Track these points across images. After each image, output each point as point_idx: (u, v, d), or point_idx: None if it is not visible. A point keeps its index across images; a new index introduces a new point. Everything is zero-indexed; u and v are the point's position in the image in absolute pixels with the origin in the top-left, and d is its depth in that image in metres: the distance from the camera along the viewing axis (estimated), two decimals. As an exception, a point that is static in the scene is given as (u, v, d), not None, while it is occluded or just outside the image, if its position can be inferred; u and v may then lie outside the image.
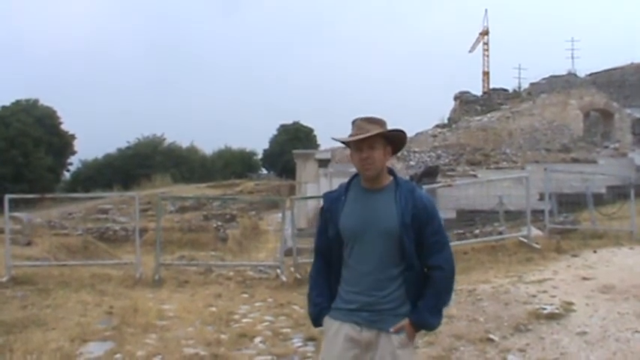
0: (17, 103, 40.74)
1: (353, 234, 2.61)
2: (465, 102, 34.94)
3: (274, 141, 55.56)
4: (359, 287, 2.61)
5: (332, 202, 2.72)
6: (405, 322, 2.58)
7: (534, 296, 6.35)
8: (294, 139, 50.83)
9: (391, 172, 2.71)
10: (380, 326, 2.58)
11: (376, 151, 2.59)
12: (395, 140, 2.69)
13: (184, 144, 56.58)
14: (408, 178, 20.71)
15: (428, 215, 2.61)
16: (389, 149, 2.67)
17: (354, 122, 2.66)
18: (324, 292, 2.72)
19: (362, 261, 2.60)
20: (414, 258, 2.59)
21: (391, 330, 2.56)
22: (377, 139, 2.59)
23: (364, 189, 2.67)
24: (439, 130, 29.29)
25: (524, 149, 24.32)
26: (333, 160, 22.13)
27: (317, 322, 2.76)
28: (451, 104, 36.68)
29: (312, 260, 2.92)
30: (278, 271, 9.67)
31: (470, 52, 50.21)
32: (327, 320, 2.68)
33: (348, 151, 2.77)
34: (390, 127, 2.68)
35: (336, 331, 2.63)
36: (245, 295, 8.32)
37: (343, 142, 2.72)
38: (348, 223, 2.62)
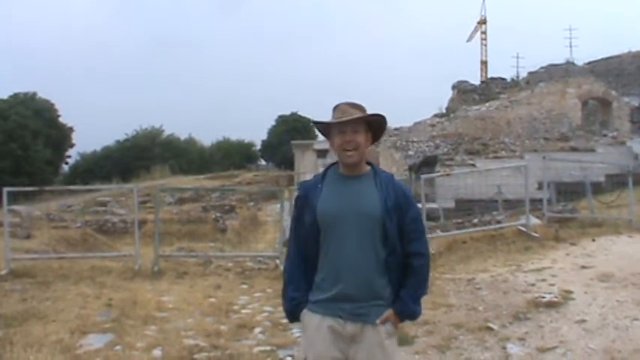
0: (15, 95, 40.49)
1: (332, 218, 2.50)
2: (463, 91, 34.84)
3: (272, 132, 55.38)
4: (337, 275, 2.50)
5: (308, 190, 2.62)
6: (390, 312, 2.54)
7: (533, 285, 6.38)
8: (292, 130, 50.67)
9: (368, 161, 2.65)
10: (364, 319, 2.50)
11: (359, 135, 2.54)
12: (375, 126, 2.63)
13: (183, 135, 56.58)
14: (406, 167, 20.71)
15: (408, 202, 2.58)
16: (369, 135, 2.61)
17: (336, 107, 2.59)
18: (301, 285, 2.60)
19: (341, 247, 2.50)
20: (397, 243, 2.53)
21: (377, 322, 2.51)
22: (360, 124, 2.55)
23: (343, 176, 2.60)
24: (437, 119, 29.25)
25: (523, 138, 24.32)
26: (331, 151, 22.09)
27: (293, 317, 2.65)
28: (449, 93, 36.61)
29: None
30: (277, 261, 9.67)
31: (468, 41, 50.15)
32: (307, 314, 2.58)
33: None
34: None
35: (318, 325, 2.53)
36: (244, 286, 8.33)
37: (325, 125, 2.61)
38: (327, 208, 2.52)
